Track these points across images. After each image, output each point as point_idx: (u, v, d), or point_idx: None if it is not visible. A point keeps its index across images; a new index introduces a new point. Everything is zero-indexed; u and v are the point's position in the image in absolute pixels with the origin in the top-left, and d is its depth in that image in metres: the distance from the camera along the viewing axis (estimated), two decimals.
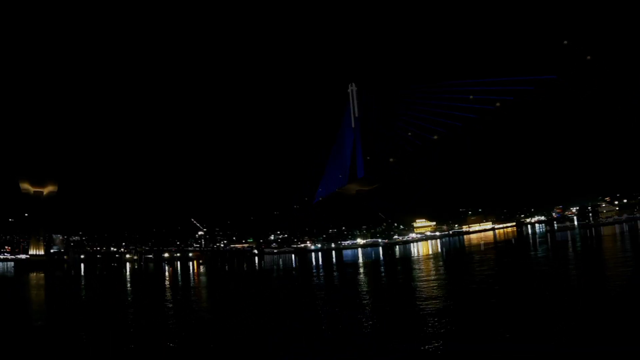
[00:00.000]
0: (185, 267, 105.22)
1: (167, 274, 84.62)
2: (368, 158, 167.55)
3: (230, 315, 28.93)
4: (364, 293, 36.06)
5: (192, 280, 67.71)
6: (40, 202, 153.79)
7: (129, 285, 65.53)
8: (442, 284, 36.55)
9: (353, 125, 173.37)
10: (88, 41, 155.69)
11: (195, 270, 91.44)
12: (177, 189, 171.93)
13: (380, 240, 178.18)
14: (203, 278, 70.11)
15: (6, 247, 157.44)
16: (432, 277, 42.84)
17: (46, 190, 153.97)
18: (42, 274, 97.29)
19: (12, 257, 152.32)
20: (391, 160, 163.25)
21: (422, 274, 46.65)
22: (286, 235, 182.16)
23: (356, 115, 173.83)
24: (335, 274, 58.35)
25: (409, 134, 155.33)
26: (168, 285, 59.83)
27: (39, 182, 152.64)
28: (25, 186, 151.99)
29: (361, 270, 61.37)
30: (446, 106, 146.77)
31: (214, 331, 23.78)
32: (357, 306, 28.03)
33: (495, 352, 12.11)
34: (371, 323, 22.44)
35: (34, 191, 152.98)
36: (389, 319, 23.13)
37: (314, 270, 68.48)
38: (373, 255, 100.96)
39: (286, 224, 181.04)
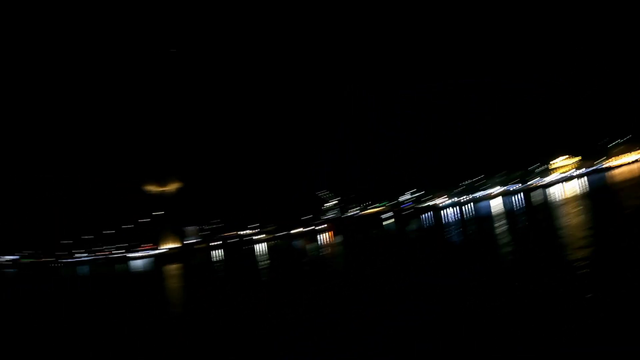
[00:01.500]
0: (320, 241, 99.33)
1: (305, 249, 78.88)
2: None
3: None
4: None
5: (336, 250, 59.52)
6: (168, 199, 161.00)
7: (267, 262, 60.25)
8: None
9: None
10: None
11: (331, 241, 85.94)
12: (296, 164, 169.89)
13: (516, 186, 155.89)
14: (353, 249, 60.91)
15: (144, 245, 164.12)
16: None
17: (172, 187, 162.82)
18: (180, 264, 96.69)
19: (151, 252, 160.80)
20: None
21: None
22: (419, 194, 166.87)
23: None
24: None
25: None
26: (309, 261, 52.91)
27: (163, 182, 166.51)
28: (151, 187, 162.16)
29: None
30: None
31: None
32: None
33: None
34: None
35: (161, 190, 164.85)
36: None
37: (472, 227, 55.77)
38: (523, 204, 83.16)
39: (418, 180, 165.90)
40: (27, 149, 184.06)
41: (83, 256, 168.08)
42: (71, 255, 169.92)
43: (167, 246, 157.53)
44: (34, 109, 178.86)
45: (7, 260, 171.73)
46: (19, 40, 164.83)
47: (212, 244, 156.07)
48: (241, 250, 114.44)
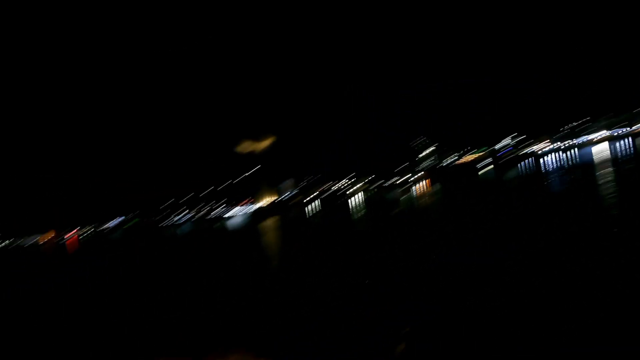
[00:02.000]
0: (414, 191, 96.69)
1: (399, 200, 76.34)
2: None
3: None
4: None
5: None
6: (263, 154, 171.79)
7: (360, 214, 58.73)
8: None
9: None
10: None
11: (426, 191, 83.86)
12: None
13: (623, 130, 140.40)
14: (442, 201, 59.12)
15: (241, 201, 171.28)
16: None
17: (266, 143, 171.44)
18: (277, 217, 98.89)
19: (249, 209, 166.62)
20: None
21: None
22: (520, 139, 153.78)
23: None
24: None
25: None
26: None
27: (258, 138, 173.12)
28: (246, 144, 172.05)
29: None
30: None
31: None
32: None
33: None
34: None
35: (255, 146, 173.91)
36: None
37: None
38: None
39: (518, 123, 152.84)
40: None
41: (183, 216, 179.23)
42: (172, 215, 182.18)
43: (264, 202, 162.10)
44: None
45: (111, 226, 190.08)
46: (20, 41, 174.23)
47: (308, 197, 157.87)
48: (336, 203, 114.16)
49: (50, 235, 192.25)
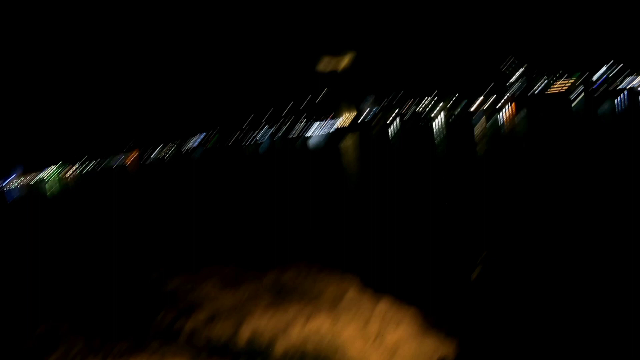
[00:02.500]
0: (499, 118, 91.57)
1: (484, 127, 72.49)
2: None
3: None
4: None
5: None
6: (344, 72, 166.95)
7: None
8: None
9: None
10: None
11: (511, 117, 76.94)
12: None
13: None
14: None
15: (324, 117, 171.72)
16: None
17: (347, 60, 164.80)
18: (356, 135, 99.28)
19: (330, 126, 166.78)
20: None
21: None
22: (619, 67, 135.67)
23: None
24: None
25: None
26: None
27: (339, 54, 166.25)
28: (327, 60, 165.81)
29: None
30: None
31: None
32: None
33: None
34: None
35: (336, 63, 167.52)
36: None
37: None
38: None
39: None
40: None
41: (264, 132, 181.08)
42: (253, 133, 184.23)
43: (344, 119, 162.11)
44: None
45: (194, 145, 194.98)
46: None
47: (389, 117, 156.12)
48: (417, 125, 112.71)
49: (135, 154, 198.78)
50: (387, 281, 12.13)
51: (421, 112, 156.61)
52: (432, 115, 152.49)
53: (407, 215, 19.17)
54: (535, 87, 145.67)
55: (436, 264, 13.22)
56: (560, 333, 8.60)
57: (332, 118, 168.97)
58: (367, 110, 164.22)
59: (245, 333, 10.57)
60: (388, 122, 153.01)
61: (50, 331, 13.94)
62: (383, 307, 10.64)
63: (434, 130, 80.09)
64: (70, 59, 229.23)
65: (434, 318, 9.75)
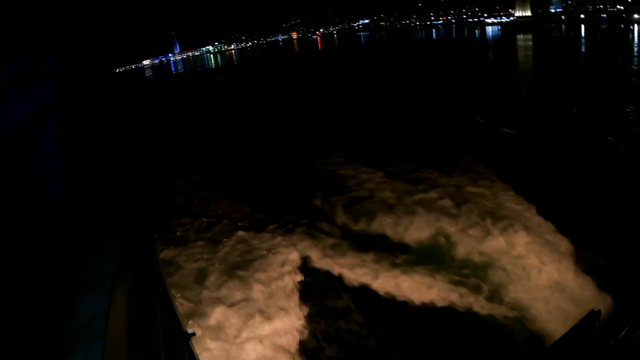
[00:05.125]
0: None
1: None
2: None
3: None
4: None
5: None
6: None
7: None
8: None
9: None
10: None
11: None
12: None
13: None
14: None
15: (497, 11, 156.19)
16: None
17: None
18: (530, 36, 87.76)
19: (504, 20, 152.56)
20: None
21: None
22: None
23: None
24: None
25: None
26: None
27: None
28: None
29: None
30: None
31: None
32: None
33: None
34: None
35: None
36: None
37: None
38: None
39: None
40: None
41: (438, 19, 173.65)
42: (427, 19, 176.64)
43: (520, 14, 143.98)
44: None
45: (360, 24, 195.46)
46: None
47: (575, 16, 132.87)
48: (618, 29, 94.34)
49: (294, 35, 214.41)
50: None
51: (619, 11, 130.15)
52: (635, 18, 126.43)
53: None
54: None
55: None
56: None
57: (509, 11, 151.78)
58: (553, 6, 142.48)
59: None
60: (572, 20, 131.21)
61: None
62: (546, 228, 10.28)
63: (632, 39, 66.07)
64: None
65: (596, 259, 9.06)
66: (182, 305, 9.09)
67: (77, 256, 5.70)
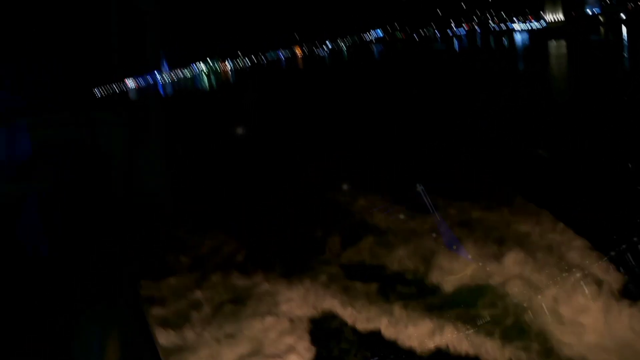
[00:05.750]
0: None
1: None
2: None
3: None
4: None
5: None
6: None
7: None
8: None
9: None
10: None
11: None
12: None
13: None
14: None
15: (525, 16, 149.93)
16: None
17: None
18: (563, 42, 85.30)
19: (533, 25, 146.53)
20: None
21: None
22: None
23: None
24: None
25: None
26: None
27: None
28: None
29: None
30: None
31: None
32: None
33: None
34: None
35: None
36: None
37: None
38: None
39: None
40: None
41: (460, 26, 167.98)
42: (447, 26, 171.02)
43: (551, 18, 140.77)
44: None
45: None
46: None
47: (615, 16, 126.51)
48: None
49: (297, 49, 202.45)
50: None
51: None
52: None
53: None
54: None
55: None
56: None
57: (538, 15, 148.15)
58: (590, 8, 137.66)
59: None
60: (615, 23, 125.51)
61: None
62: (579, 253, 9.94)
63: None
64: None
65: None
66: None
67: (63, 327, 5.43)
